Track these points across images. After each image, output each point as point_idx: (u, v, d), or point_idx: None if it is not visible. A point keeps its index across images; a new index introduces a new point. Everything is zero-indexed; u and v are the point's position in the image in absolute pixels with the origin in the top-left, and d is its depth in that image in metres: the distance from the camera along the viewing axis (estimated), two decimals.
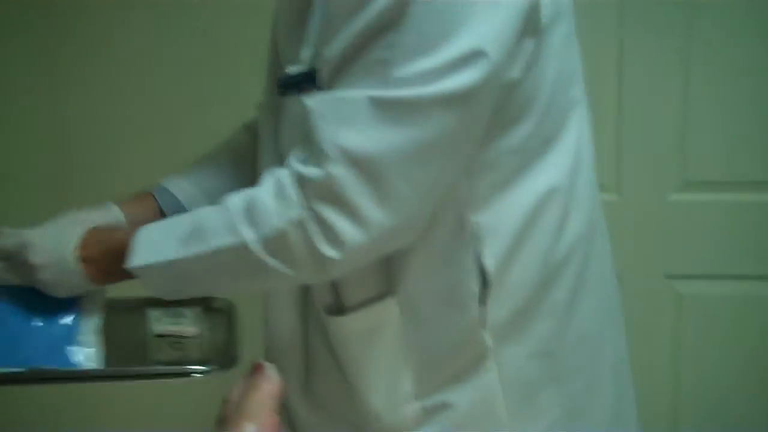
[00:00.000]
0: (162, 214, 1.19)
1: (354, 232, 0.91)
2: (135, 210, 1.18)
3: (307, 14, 0.99)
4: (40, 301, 1.11)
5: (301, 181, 0.92)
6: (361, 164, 0.89)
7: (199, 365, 1.13)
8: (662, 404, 2.09)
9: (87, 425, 2.11)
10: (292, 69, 0.99)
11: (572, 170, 1.04)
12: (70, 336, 1.11)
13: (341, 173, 0.90)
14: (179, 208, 1.20)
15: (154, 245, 1.01)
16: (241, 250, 0.95)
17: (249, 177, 1.19)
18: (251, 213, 0.95)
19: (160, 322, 1.29)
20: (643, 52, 1.97)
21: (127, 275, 1.04)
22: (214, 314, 1.36)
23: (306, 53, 0.98)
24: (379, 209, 0.91)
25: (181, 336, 1.23)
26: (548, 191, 1.02)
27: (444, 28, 0.87)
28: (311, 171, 0.92)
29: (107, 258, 1.05)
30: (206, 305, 1.39)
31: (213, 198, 1.19)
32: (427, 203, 0.95)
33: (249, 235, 0.94)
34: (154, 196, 1.21)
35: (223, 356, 1.17)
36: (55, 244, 1.05)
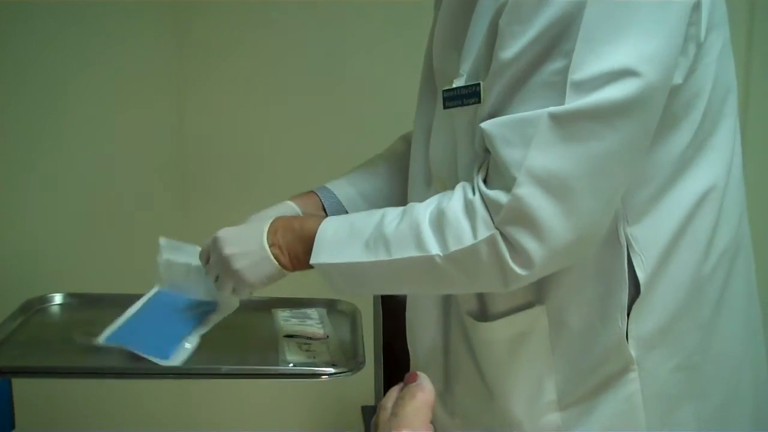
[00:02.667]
0: (324, 211, 1.25)
1: (541, 249, 0.91)
2: (303, 205, 1.25)
3: (465, 30, 1.01)
4: (186, 309, 1.25)
5: (490, 204, 0.93)
6: (549, 183, 0.89)
7: (328, 367, 1.16)
8: None
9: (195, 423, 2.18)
10: (457, 82, 1.01)
11: (725, 181, 1.03)
12: (178, 334, 1.20)
13: (530, 195, 0.90)
14: (339, 206, 1.25)
15: (338, 245, 1.04)
16: (427, 262, 0.97)
17: (404, 182, 1.22)
18: (440, 227, 0.97)
19: (289, 323, 1.33)
20: None
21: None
22: (338, 316, 1.40)
23: (465, 67, 1.00)
24: (566, 224, 0.91)
25: (310, 337, 1.26)
26: (701, 196, 1.00)
27: (615, 31, 0.87)
28: (500, 195, 0.92)
29: (296, 245, 1.08)
30: (330, 307, 1.43)
31: (369, 198, 1.26)
32: (609, 213, 0.95)
33: (437, 249, 0.96)
34: (317, 194, 1.27)
35: (351, 358, 1.20)
36: (246, 234, 1.12)
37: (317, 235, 1.05)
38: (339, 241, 1.04)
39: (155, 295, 1.29)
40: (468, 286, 1.01)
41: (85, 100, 1.94)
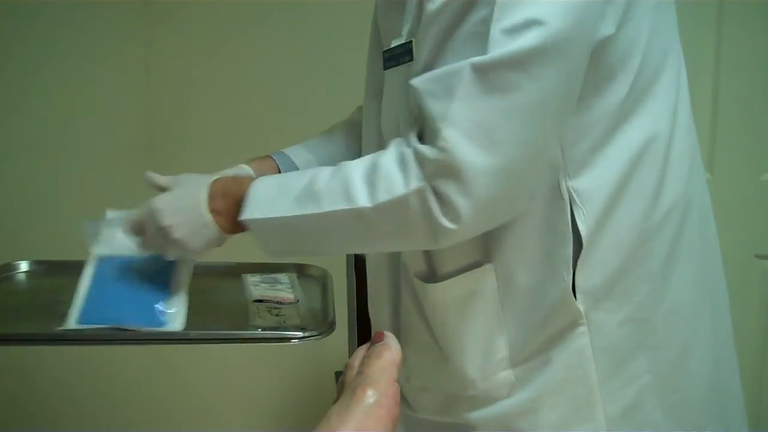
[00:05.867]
0: None
1: (468, 202, 0.92)
2: (260, 170, 1.22)
3: None
4: (142, 269, 1.18)
5: (420, 158, 0.94)
6: (473, 135, 0.90)
7: (297, 331, 1.16)
8: (750, 380, 2.06)
9: (178, 387, 2.18)
10: (395, 42, 1.01)
11: (668, 132, 1.03)
12: (158, 297, 1.15)
13: (454, 147, 0.90)
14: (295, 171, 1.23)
15: (269, 201, 1.03)
16: (356, 214, 0.97)
17: (360, 150, 1.21)
18: (372, 179, 0.96)
19: (258, 288, 1.32)
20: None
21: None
22: (309, 280, 1.40)
23: (406, 29, 1.00)
24: (491, 176, 0.91)
25: (279, 302, 1.26)
26: (642, 147, 1.01)
27: None
28: (428, 150, 0.93)
29: (234, 207, 1.06)
30: (301, 272, 1.43)
31: (326, 165, 1.23)
32: (537, 165, 0.96)
33: (366, 201, 0.96)
34: (274, 159, 1.26)
35: (321, 322, 1.20)
36: (184, 204, 1.08)
37: (249, 192, 1.04)
38: (271, 198, 1.03)
39: (99, 262, 1.20)
40: (398, 241, 1.00)
41: (52, 64, 1.90)
